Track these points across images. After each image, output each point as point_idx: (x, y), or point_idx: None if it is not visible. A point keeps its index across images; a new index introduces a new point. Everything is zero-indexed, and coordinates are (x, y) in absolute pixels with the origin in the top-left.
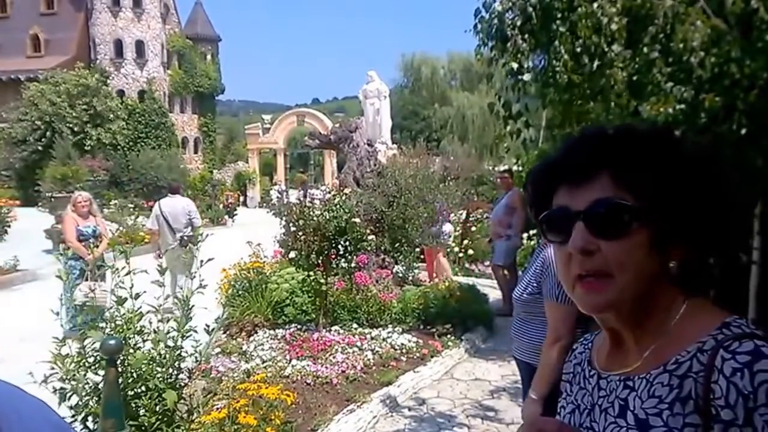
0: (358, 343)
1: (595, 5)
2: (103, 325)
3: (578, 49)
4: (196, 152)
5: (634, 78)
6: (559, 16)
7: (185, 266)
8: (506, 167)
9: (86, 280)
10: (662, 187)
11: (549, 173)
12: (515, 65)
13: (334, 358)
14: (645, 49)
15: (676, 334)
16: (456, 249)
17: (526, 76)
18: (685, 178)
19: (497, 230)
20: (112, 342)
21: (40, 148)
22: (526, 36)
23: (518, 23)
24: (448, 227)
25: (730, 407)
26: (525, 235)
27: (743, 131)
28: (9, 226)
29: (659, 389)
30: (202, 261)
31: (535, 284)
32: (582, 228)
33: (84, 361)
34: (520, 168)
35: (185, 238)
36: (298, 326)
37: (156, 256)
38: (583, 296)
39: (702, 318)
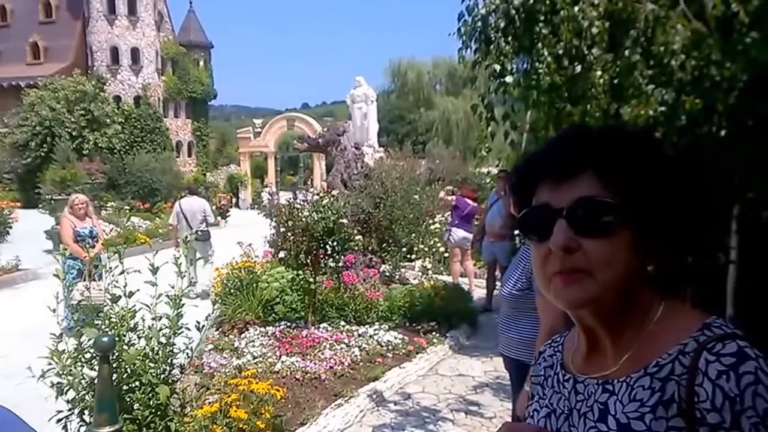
0: (346, 340)
1: (576, 9)
2: (98, 322)
3: (560, 52)
4: (189, 156)
5: (616, 81)
6: (542, 18)
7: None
8: (499, 166)
9: (83, 279)
10: (646, 187)
11: (531, 170)
12: (498, 67)
13: (322, 354)
14: (626, 52)
15: (655, 336)
16: (441, 249)
17: (509, 78)
18: (668, 180)
19: (500, 232)
20: (105, 339)
21: (42, 154)
22: (509, 38)
23: (501, 26)
24: (461, 233)
25: (717, 410)
26: None
27: (723, 133)
28: (11, 227)
29: (640, 393)
30: (192, 260)
31: (524, 280)
32: (564, 225)
33: (80, 357)
34: (507, 169)
35: (200, 233)
36: (288, 324)
37: (175, 248)
38: (560, 291)
39: (680, 319)
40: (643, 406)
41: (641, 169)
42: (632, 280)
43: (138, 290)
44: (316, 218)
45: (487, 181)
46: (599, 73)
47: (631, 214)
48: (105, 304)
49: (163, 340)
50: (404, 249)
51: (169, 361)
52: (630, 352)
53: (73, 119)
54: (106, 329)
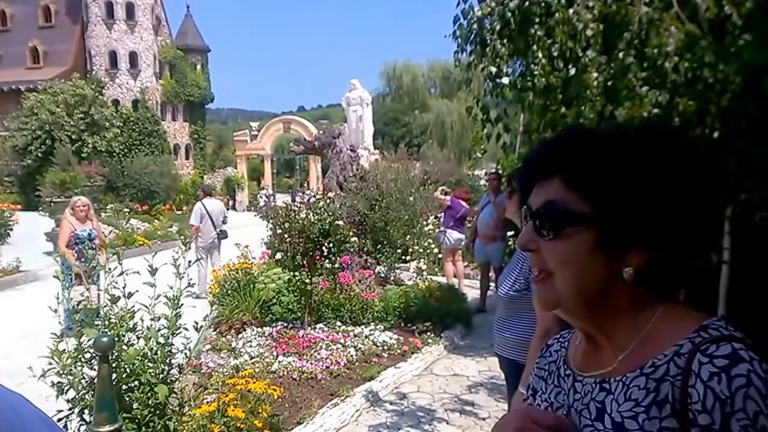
0: (342, 340)
1: (571, 11)
2: (98, 323)
3: (555, 54)
4: (187, 158)
5: (610, 82)
6: (537, 21)
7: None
8: (494, 169)
9: (80, 282)
10: (612, 191)
11: (525, 173)
12: (494, 69)
13: (318, 354)
14: (620, 54)
15: (653, 336)
16: (436, 250)
17: (504, 80)
18: (638, 182)
19: (492, 233)
20: (105, 339)
21: (42, 156)
22: (505, 41)
23: (497, 28)
24: (455, 235)
25: (707, 412)
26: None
27: (716, 134)
28: (12, 230)
29: (636, 392)
30: (190, 261)
31: (522, 281)
32: (529, 227)
33: (80, 356)
34: (500, 172)
35: (222, 231)
36: (285, 324)
37: (194, 248)
38: (536, 291)
39: (678, 321)
40: (638, 406)
41: (607, 174)
42: (604, 281)
43: (137, 291)
44: (312, 220)
45: (482, 183)
46: (594, 75)
47: (592, 217)
48: (104, 305)
49: (161, 340)
50: (399, 250)
51: (167, 361)
52: (627, 351)
53: (72, 123)
54: (106, 330)
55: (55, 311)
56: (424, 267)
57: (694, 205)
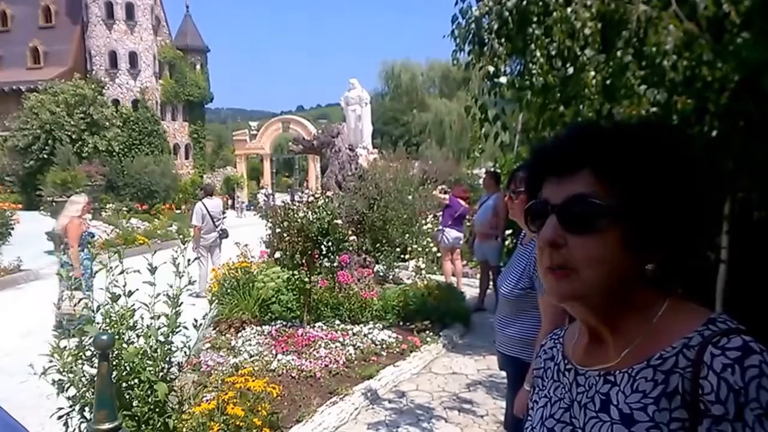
0: (341, 339)
1: (569, 10)
2: (98, 321)
3: (553, 53)
4: (187, 158)
5: (608, 81)
6: (535, 20)
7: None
8: (491, 168)
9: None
10: (643, 187)
11: (538, 165)
12: (492, 69)
13: (317, 353)
14: (619, 53)
15: (659, 330)
16: (435, 249)
17: (503, 79)
18: (667, 180)
19: (487, 232)
20: (104, 337)
21: (43, 157)
22: (503, 40)
23: (495, 27)
24: (454, 233)
25: (721, 402)
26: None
27: (714, 133)
28: (13, 229)
29: (643, 384)
30: (189, 260)
31: (526, 280)
32: (554, 221)
33: (81, 354)
34: (498, 170)
35: (223, 230)
36: (284, 323)
37: (194, 248)
38: (551, 284)
39: (685, 315)
40: (646, 397)
41: (638, 169)
42: (625, 279)
43: (137, 290)
44: (311, 219)
45: (481, 182)
46: (592, 73)
47: (622, 214)
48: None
49: (161, 338)
50: (398, 249)
51: (167, 359)
52: (632, 345)
53: (72, 122)
54: (106, 328)
55: (59, 308)
56: (422, 266)
57: (705, 205)
